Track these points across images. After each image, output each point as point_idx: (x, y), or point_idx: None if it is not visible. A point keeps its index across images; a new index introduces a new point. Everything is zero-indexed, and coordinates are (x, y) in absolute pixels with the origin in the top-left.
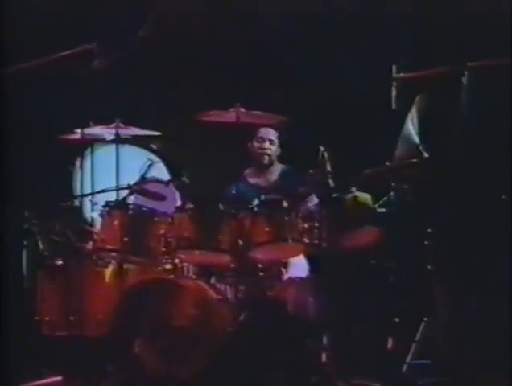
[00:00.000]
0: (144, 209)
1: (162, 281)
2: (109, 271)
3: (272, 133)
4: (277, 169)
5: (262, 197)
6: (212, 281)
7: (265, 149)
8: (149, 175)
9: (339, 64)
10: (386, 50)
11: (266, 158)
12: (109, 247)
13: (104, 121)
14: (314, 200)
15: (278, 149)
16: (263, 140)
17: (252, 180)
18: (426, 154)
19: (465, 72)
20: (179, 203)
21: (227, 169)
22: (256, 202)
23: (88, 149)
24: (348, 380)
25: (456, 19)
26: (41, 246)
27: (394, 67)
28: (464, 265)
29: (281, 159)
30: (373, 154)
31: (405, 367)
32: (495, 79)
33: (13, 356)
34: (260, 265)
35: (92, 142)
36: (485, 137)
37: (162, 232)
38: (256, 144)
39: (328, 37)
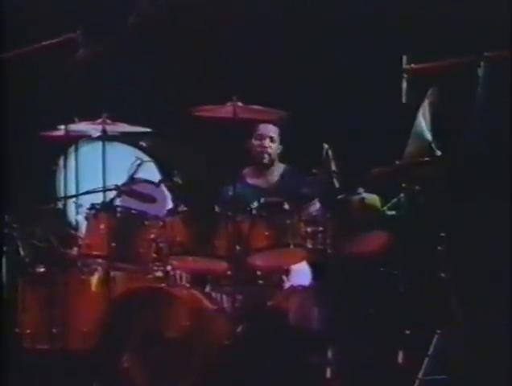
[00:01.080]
0: (133, 212)
1: (152, 290)
2: (95, 279)
3: (272, 130)
4: (278, 168)
5: (262, 199)
6: (208, 289)
7: (265, 147)
8: (138, 175)
9: (344, 54)
10: (395, 39)
11: (267, 156)
12: (95, 253)
13: (90, 117)
14: (316, 205)
15: (280, 147)
16: (263, 137)
17: (251, 180)
18: (439, 152)
19: (481, 63)
20: (171, 205)
21: (223, 168)
22: (255, 204)
23: (73, 147)
24: None
25: (472, 5)
26: (22, 252)
27: (404, 58)
28: (480, 272)
29: (282, 158)
30: (382, 152)
31: (417, 384)
32: None
33: None
34: (259, 273)
35: (76, 139)
36: (502, 133)
37: (152, 236)
38: (255, 142)
39: (333, 24)
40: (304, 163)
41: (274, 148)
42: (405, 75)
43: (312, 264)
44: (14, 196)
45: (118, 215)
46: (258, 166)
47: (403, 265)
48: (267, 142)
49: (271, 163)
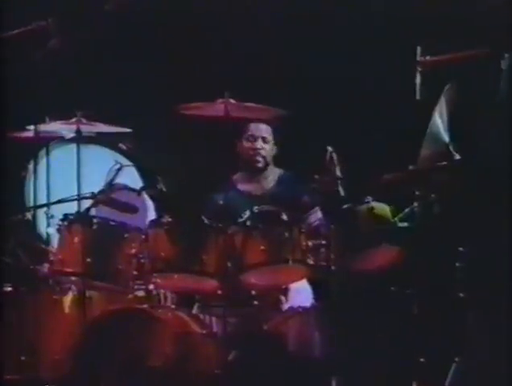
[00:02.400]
0: (111, 223)
1: (133, 312)
2: (68, 299)
3: (264, 130)
4: (273, 173)
5: (256, 208)
6: (195, 311)
7: (257, 149)
8: (117, 181)
9: (350, 46)
10: (408, 28)
11: (260, 160)
12: (68, 270)
13: (62, 115)
14: (318, 215)
15: (274, 148)
16: (254, 138)
17: (243, 187)
18: (457, 156)
19: (505, 55)
20: (154, 215)
21: (213, 174)
22: (247, 213)
23: (44, 150)
24: None
25: None
26: None
27: (418, 49)
28: (503, 293)
29: (278, 162)
30: (393, 156)
31: None
32: None
33: None
34: (254, 292)
35: (48, 141)
36: None
37: (133, 251)
38: (246, 143)
39: (337, 12)
40: (305, 168)
41: (267, 150)
42: (419, 69)
43: (314, 283)
44: None
45: (95, 226)
46: (250, 170)
47: (417, 284)
48: (260, 144)
49: (265, 167)
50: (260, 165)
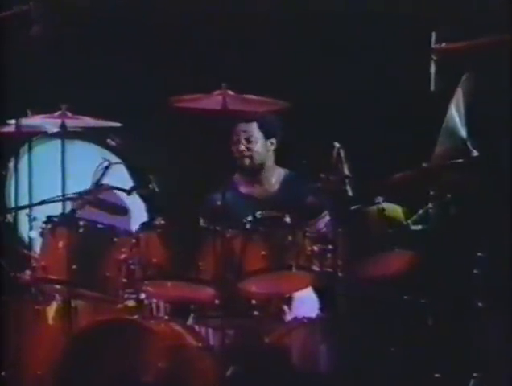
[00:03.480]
0: (99, 226)
1: (123, 324)
2: (52, 309)
3: (247, 129)
4: (277, 175)
5: (259, 213)
6: (190, 322)
7: (242, 151)
8: (105, 181)
9: (358, 31)
10: (423, 12)
11: (246, 161)
12: (52, 277)
13: (46, 109)
14: (325, 218)
15: (269, 145)
16: (238, 140)
17: (244, 190)
18: (475, 153)
19: None
20: (145, 217)
21: (210, 172)
22: (249, 217)
23: (25, 146)
24: None
25: None
26: None
27: (433, 35)
28: None
29: (282, 162)
30: (406, 152)
31: None
32: None
33: None
34: (254, 302)
35: (30, 137)
36: None
37: (123, 256)
38: (233, 147)
39: None
40: (310, 166)
41: (255, 149)
42: (434, 57)
43: (320, 291)
44: None
45: (81, 230)
46: (244, 171)
47: (432, 293)
48: (243, 145)
49: (260, 167)
50: (247, 164)
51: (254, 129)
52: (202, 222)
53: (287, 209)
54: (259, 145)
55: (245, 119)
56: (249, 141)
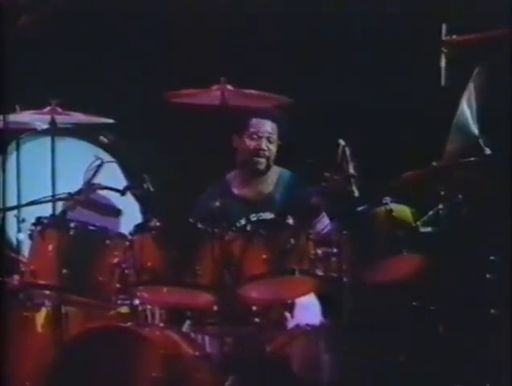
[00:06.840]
0: (91, 228)
1: (116, 331)
2: (41, 316)
3: (270, 128)
4: (272, 174)
5: (253, 216)
6: (187, 329)
7: (261, 150)
8: (98, 180)
9: (367, 24)
10: (433, 3)
11: (263, 161)
12: (41, 282)
13: (35, 104)
14: (325, 221)
15: (279, 143)
16: (258, 137)
17: (237, 190)
18: (488, 151)
19: None
20: (139, 219)
21: (208, 172)
22: (249, 218)
23: (14, 144)
24: None
25: None
26: None
27: (443, 27)
28: None
29: (281, 158)
30: (415, 150)
31: None
32: None
33: None
34: (255, 308)
35: (18, 134)
36: None
37: (116, 260)
38: (248, 142)
39: None
40: (313, 165)
41: (272, 151)
42: (444, 50)
43: (323, 297)
44: None
45: (72, 232)
46: (249, 172)
47: (442, 299)
48: (264, 144)
49: (268, 169)
50: (261, 167)
51: (275, 131)
52: (199, 224)
53: (282, 211)
54: (275, 147)
55: (268, 118)
56: (269, 141)
